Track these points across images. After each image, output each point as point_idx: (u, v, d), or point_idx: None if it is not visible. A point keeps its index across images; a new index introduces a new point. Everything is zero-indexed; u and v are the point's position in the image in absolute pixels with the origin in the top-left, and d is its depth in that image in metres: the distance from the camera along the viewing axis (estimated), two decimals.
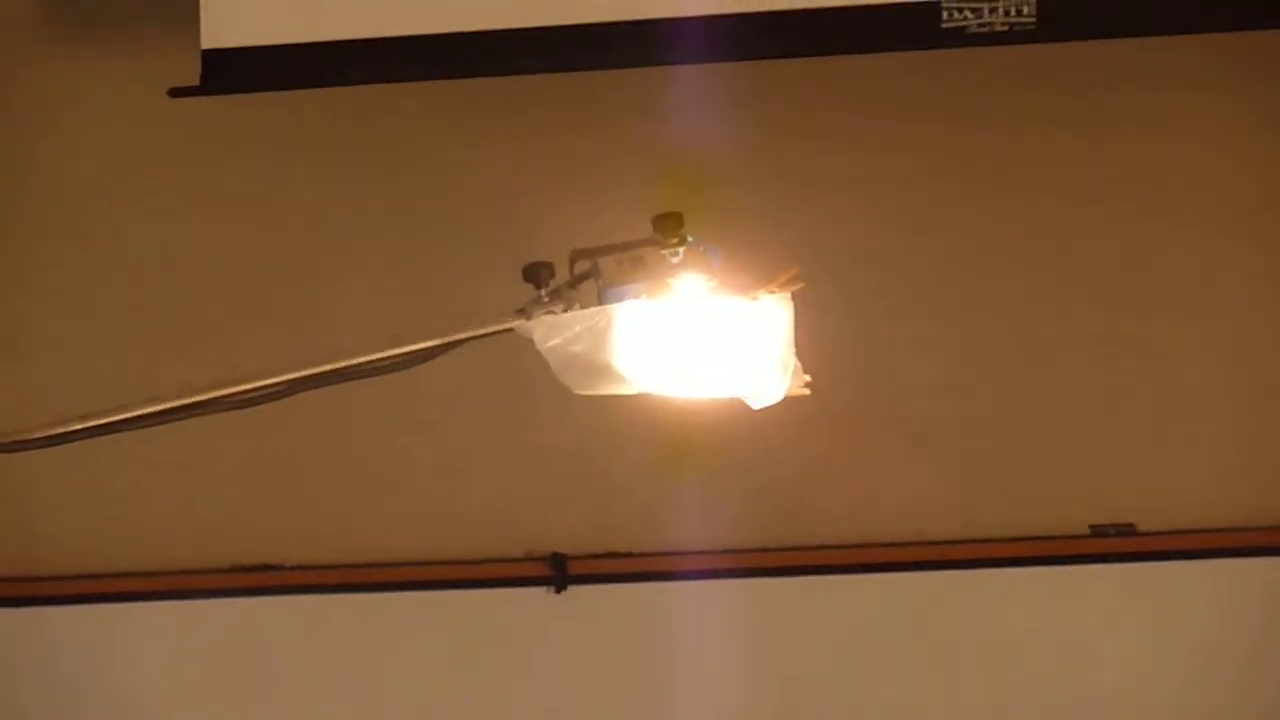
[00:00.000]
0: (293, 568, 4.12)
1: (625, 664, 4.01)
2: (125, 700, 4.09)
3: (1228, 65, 4.09)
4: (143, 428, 2.47)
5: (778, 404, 2.41)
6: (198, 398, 2.45)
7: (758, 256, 2.40)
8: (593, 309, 2.35)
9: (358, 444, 4.17)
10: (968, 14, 3.75)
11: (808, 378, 2.40)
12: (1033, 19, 3.73)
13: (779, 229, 3.49)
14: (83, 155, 4.33)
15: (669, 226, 2.35)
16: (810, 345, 2.42)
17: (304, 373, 2.44)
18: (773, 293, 2.36)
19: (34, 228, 4.33)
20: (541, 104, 4.18)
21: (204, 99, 4.07)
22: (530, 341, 2.36)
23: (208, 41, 3.92)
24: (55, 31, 4.32)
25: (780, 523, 4.05)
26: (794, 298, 2.37)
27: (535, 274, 2.37)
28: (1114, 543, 4.01)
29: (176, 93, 4.07)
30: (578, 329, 2.34)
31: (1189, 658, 3.97)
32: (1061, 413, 4.11)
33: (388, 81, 4.09)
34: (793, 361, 2.38)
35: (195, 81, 4.01)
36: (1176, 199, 4.13)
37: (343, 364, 2.43)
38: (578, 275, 2.38)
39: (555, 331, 2.35)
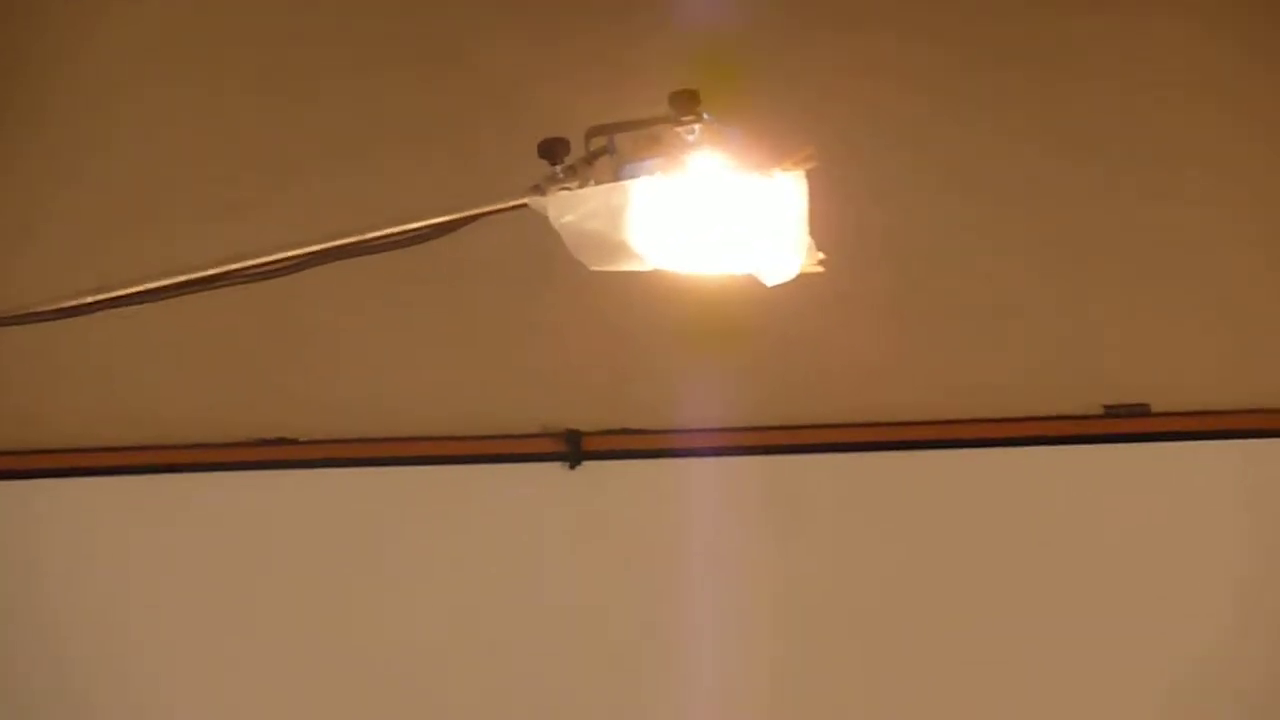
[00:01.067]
0: (310, 441, 4.14)
1: (635, 537, 4.04)
2: (143, 570, 4.13)
3: None
4: (161, 299, 2.47)
5: (791, 282, 2.41)
6: (216, 270, 2.45)
7: (775, 136, 2.38)
8: (608, 185, 2.34)
9: (376, 321, 4.18)
10: None
11: (821, 255, 2.41)
12: None
13: (795, 109, 3.47)
14: (106, 42, 4.32)
15: (685, 103, 2.34)
16: (825, 225, 2.40)
17: (321, 246, 2.44)
18: (788, 170, 2.36)
19: (57, 114, 4.32)
20: None
21: None
22: (545, 218, 2.35)
23: None
24: None
25: (791, 400, 4.06)
26: (809, 176, 2.36)
27: (551, 150, 2.37)
28: (1127, 423, 4.03)
29: None
30: (593, 205, 2.34)
31: (1200, 536, 4.01)
32: (1077, 294, 4.13)
33: None
34: (806, 239, 2.38)
35: None
36: (1202, 91, 4.13)
37: (360, 238, 2.43)
38: (593, 152, 2.38)
39: (570, 207, 2.35)
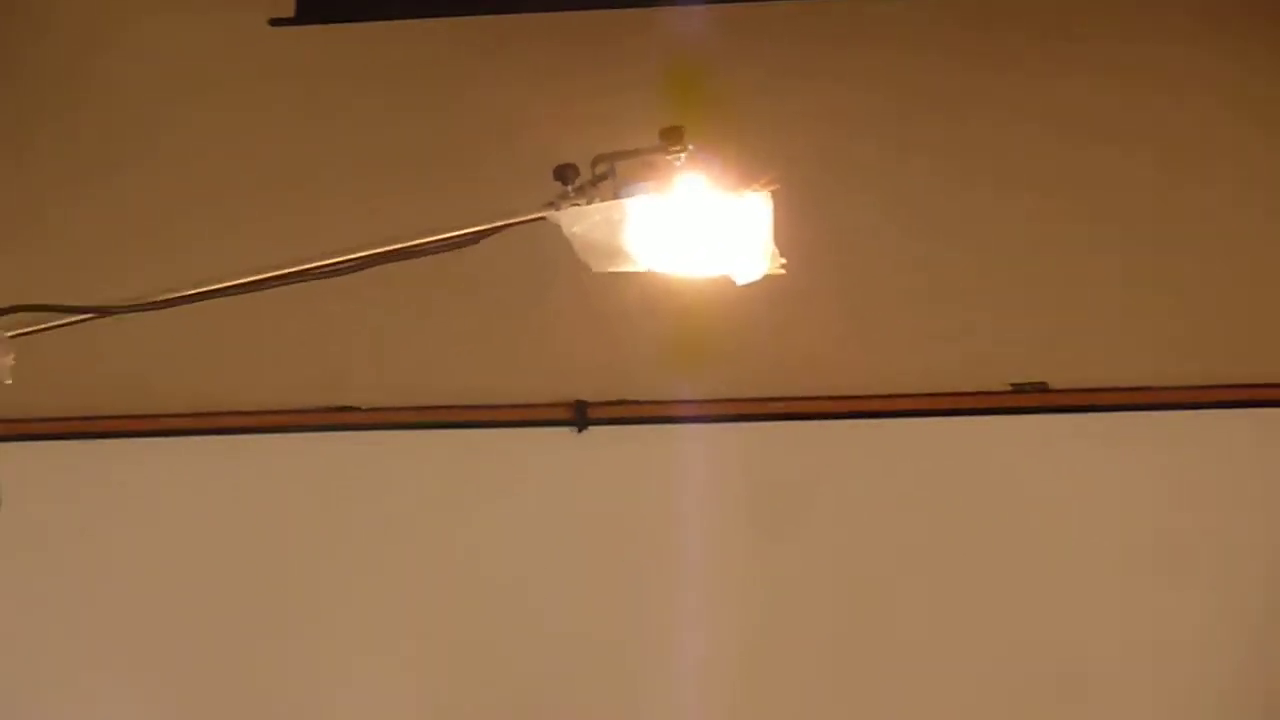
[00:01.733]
0: (369, 409, 4.20)
1: (635, 493, 4.09)
2: (225, 519, 4.19)
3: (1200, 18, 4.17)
4: (247, 293, 2.60)
5: (758, 281, 2.54)
6: (291, 269, 2.58)
7: (746, 164, 2.50)
8: (610, 202, 2.46)
9: (421, 313, 4.24)
10: None
11: (783, 260, 2.53)
12: None
13: (763, 141, 3.49)
14: (162, 67, 4.39)
15: (674, 136, 2.47)
16: (785, 235, 2.51)
17: (374, 250, 2.56)
18: (756, 191, 2.48)
19: (121, 130, 4.39)
20: (567, 42, 4.27)
21: (269, 33, 4.15)
22: (558, 228, 2.48)
23: None
24: None
25: (759, 378, 4.09)
26: (773, 196, 2.48)
27: (563, 173, 2.49)
28: (1029, 398, 4.03)
29: (276, 22, 4.16)
30: (597, 218, 2.45)
31: (1092, 497, 3.98)
32: (989, 289, 4.14)
33: (439, 16, 4.27)
34: (771, 246, 2.51)
35: (289, 14, 4.16)
36: (1099, 131, 4.16)
37: (410, 244, 2.56)
38: (598, 175, 2.49)
39: (579, 220, 2.46)
